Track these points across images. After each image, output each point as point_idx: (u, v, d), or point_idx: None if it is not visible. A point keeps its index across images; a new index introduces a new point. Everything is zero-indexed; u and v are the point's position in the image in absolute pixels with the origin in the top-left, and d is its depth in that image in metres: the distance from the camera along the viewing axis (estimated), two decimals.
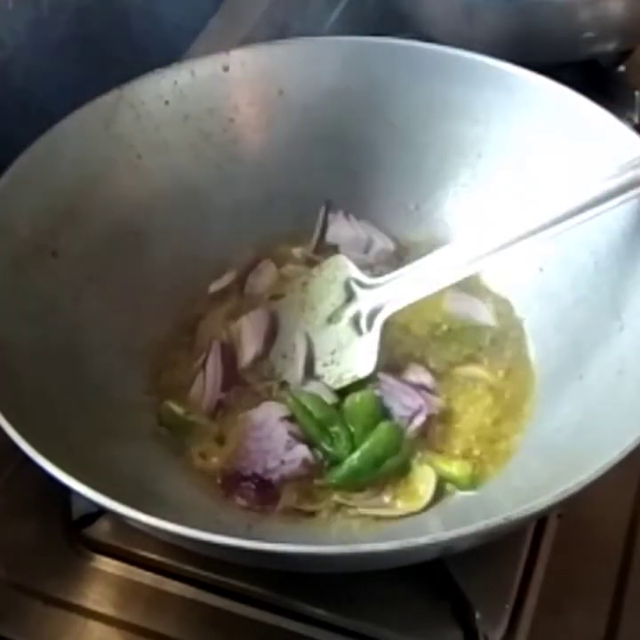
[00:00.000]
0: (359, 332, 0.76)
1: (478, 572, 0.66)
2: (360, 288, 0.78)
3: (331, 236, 0.84)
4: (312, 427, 0.71)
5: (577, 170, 0.74)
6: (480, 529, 0.54)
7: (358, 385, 0.74)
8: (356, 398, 0.73)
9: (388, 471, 0.69)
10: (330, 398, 0.73)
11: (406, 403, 0.71)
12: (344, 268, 0.79)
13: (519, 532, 0.69)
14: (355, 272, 0.79)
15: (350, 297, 0.78)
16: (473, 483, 0.69)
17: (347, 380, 0.74)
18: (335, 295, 0.79)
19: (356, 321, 0.76)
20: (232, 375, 0.76)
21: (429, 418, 0.71)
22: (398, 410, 0.72)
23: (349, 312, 0.77)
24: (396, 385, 0.73)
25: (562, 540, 0.70)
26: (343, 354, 0.76)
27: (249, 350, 0.78)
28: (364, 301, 0.77)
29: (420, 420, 0.71)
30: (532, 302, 0.78)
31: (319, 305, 0.79)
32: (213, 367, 0.76)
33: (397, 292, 0.75)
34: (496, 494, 0.67)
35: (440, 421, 0.72)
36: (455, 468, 0.69)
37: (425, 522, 0.67)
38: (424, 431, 0.71)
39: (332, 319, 0.78)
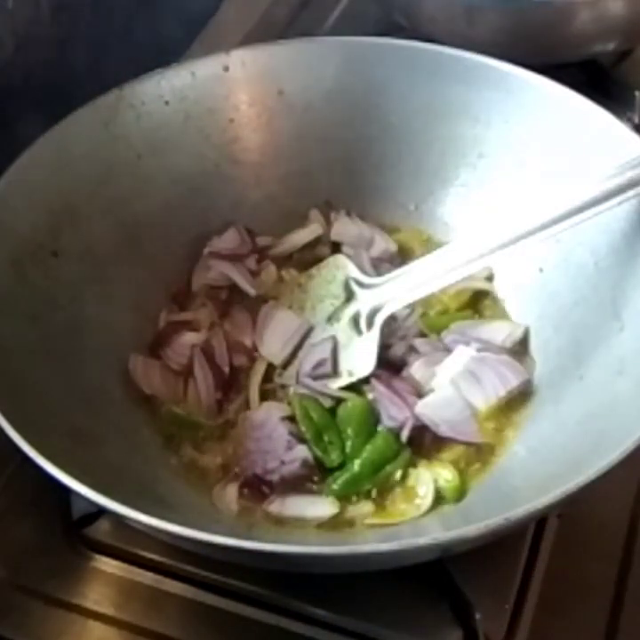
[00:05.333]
0: (359, 332, 0.76)
1: (478, 572, 0.66)
2: (359, 288, 0.78)
3: (334, 234, 0.84)
4: (310, 430, 0.71)
5: (577, 170, 0.74)
6: (480, 529, 0.54)
7: (353, 386, 0.74)
8: (348, 404, 0.73)
9: (387, 477, 0.69)
10: (327, 402, 0.73)
11: (393, 413, 0.71)
12: (343, 267, 0.80)
13: (519, 532, 0.69)
14: (354, 272, 0.79)
15: (350, 297, 0.78)
16: (459, 496, 0.68)
17: (346, 380, 0.75)
18: (335, 295, 0.79)
19: (355, 321, 0.76)
20: (222, 376, 0.76)
21: (417, 429, 0.71)
22: (386, 420, 0.71)
23: (349, 312, 0.77)
24: (385, 393, 0.72)
25: (562, 539, 0.70)
26: (343, 354, 0.76)
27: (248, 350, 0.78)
28: (364, 301, 0.77)
29: (405, 434, 0.70)
30: (532, 302, 0.78)
31: (319, 305, 0.79)
32: (201, 372, 0.76)
33: (397, 291, 0.75)
34: (495, 495, 0.67)
35: (431, 430, 0.71)
36: (442, 481, 0.68)
37: (425, 522, 0.67)
38: (418, 440, 0.71)
39: (332, 319, 0.78)
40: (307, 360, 0.76)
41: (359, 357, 0.75)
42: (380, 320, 0.75)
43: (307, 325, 0.78)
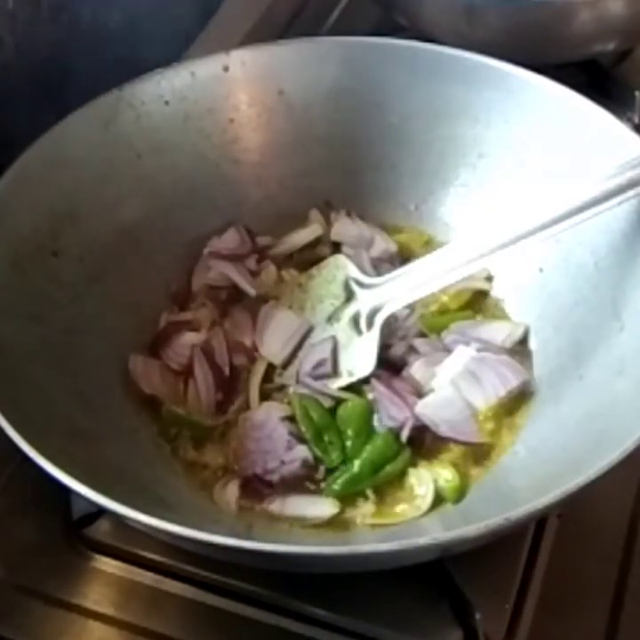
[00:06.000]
0: (359, 332, 0.76)
1: (478, 572, 0.66)
2: (359, 288, 0.78)
3: (334, 234, 0.84)
4: (310, 430, 0.71)
5: (577, 170, 0.74)
6: (480, 529, 0.54)
7: (353, 386, 0.74)
8: (348, 404, 0.73)
9: (387, 477, 0.69)
10: (327, 402, 0.73)
11: (393, 413, 0.71)
12: (343, 267, 0.80)
13: (519, 532, 0.69)
14: (354, 272, 0.79)
15: (350, 297, 0.78)
16: (459, 496, 0.68)
17: (346, 380, 0.75)
18: (335, 295, 0.79)
19: (355, 321, 0.76)
20: (222, 376, 0.76)
21: (417, 429, 0.71)
22: (386, 420, 0.71)
23: (349, 312, 0.77)
24: (385, 393, 0.72)
25: (562, 540, 0.70)
26: (343, 354, 0.76)
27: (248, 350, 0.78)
28: (364, 301, 0.77)
29: (405, 434, 0.70)
30: (532, 302, 0.78)
31: (319, 305, 0.79)
32: (201, 372, 0.76)
33: (397, 291, 0.75)
34: (495, 495, 0.67)
35: (431, 430, 0.71)
36: (442, 481, 0.68)
37: (425, 522, 0.67)
38: (419, 440, 0.71)
39: (332, 319, 0.78)
40: (307, 360, 0.76)
41: (359, 357, 0.75)
42: (380, 320, 0.75)
43: (307, 325, 0.78)
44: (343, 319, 0.77)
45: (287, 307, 0.80)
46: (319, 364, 0.75)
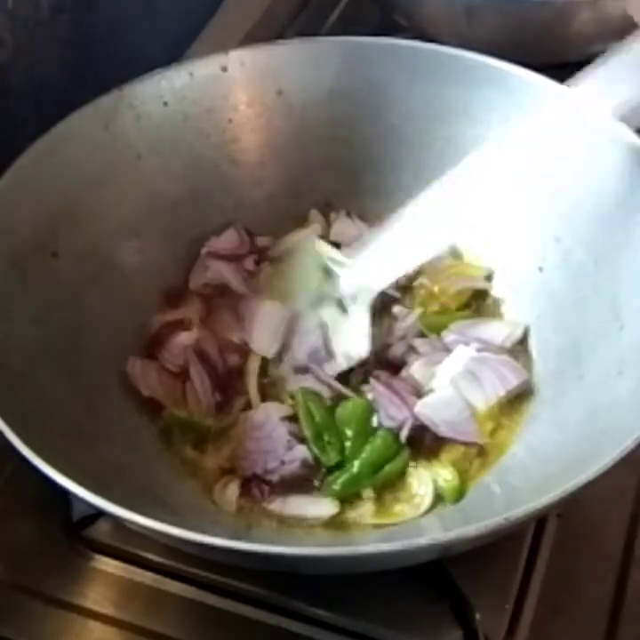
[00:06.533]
0: (347, 314, 0.76)
1: (478, 572, 0.66)
2: (339, 268, 0.77)
3: (334, 235, 0.84)
4: (310, 429, 0.71)
5: (577, 170, 0.74)
6: (480, 529, 0.54)
7: (353, 386, 0.74)
8: (348, 405, 0.72)
9: (386, 477, 0.69)
10: (326, 392, 0.73)
11: (392, 413, 0.71)
12: (318, 249, 0.79)
13: (519, 532, 0.69)
14: (331, 252, 0.78)
15: (331, 279, 0.77)
16: (459, 496, 0.68)
17: (344, 364, 0.74)
18: (315, 279, 0.78)
19: (341, 302, 0.76)
20: (218, 376, 0.76)
21: (416, 429, 0.71)
22: (385, 420, 0.71)
23: (333, 294, 0.77)
24: (385, 393, 0.72)
25: (562, 540, 0.70)
26: (334, 338, 0.75)
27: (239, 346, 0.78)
28: (346, 281, 0.76)
29: (404, 434, 0.70)
30: (532, 302, 0.78)
31: (301, 291, 0.78)
32: (197, 374, 0.75)
33: (379, 268, 0.75)
34: (495, 495, 0.67)
35: (430, 430, 0.71)
36: (442, 481, 0.68)
37: (425, 522, 0.67)
38: (418, 440, 0.71)
39: (317, 304, 0.77)
40: (300, 349, 0.75)
41: (352, 339, 0.75)
42: (367, 299, 0.75)
43: (293, 313, 0.77)
44: (328, 302, 0.77)
45: (269, 297, 0.79)
46: (313, 351, 0.75)
